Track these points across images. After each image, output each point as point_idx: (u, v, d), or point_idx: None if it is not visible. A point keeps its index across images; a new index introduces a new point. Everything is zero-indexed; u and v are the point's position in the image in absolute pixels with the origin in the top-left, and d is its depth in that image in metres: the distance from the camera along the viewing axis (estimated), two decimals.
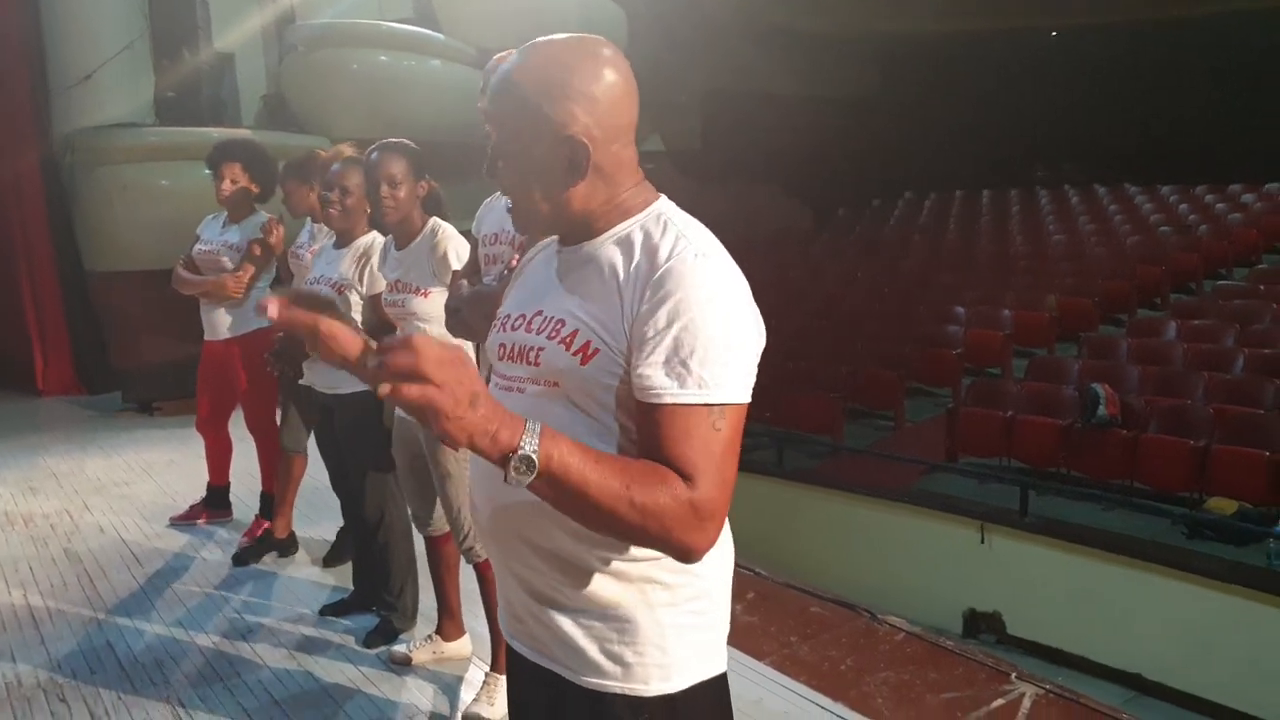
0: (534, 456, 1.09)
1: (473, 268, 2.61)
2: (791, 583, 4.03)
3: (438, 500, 3.17)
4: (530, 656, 1.41)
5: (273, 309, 1.16)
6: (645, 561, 1.30)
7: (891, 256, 14.65)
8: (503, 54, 1.90)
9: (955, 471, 8.29)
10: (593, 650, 1.33)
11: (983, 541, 7.31)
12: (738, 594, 3.85)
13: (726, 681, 1.42)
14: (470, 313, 2.30)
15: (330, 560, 4.33)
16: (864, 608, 3.83)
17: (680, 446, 1.19)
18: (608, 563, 1.30)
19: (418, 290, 2.98)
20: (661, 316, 1.21)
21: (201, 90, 8.91)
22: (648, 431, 1.22)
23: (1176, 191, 16.12)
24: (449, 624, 3.37)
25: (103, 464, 6.17)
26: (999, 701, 3.20)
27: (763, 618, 3.72)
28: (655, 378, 1.20)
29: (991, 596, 7.25)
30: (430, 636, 3.38)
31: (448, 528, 3.18)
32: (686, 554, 1.21)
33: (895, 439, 9.43)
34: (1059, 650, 6.66)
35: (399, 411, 3.12)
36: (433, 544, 3.30)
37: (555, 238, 1.45)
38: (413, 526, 3.41)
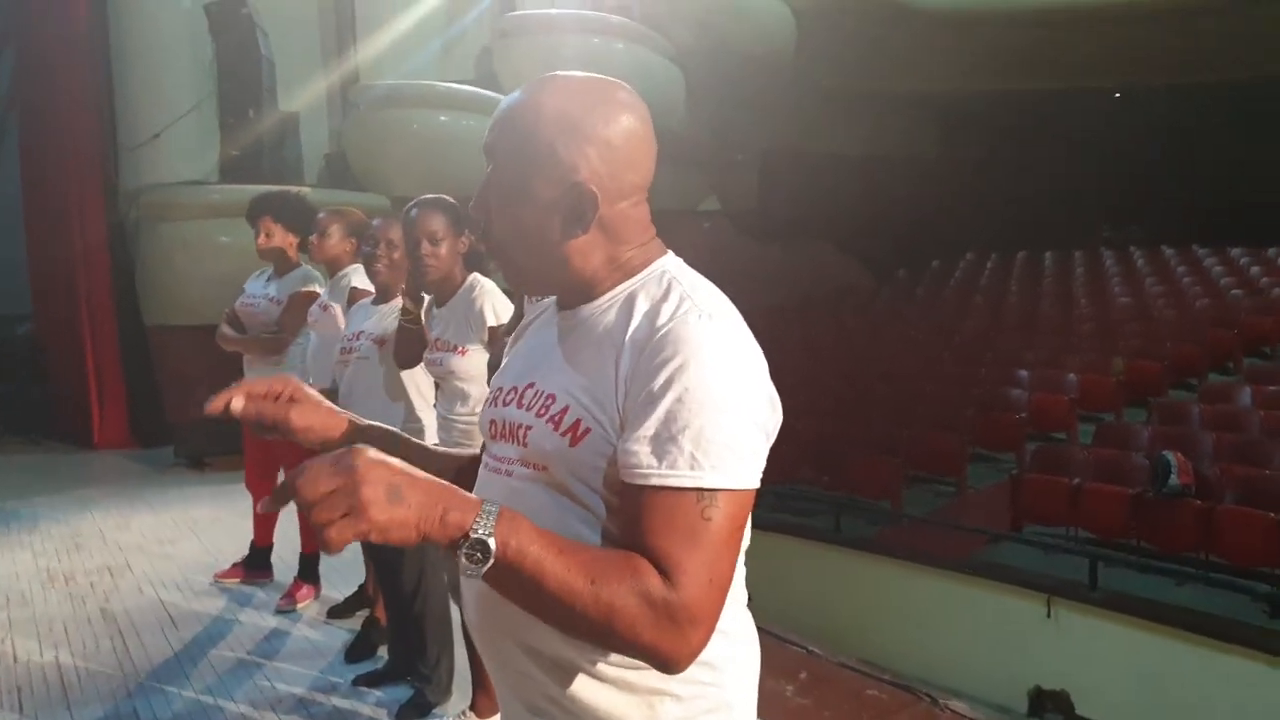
0: (489, 541, 0.95)
1: (517, 321, 2.52)
2: (847, 663, 3.83)
3: None
4: None
5: (237, 403, 1.08)
6: (654, 672, 1.10)
7: (952, 318, 14.39)
8: None
9: (1020, 541, 7.97)
10: None
11: (1049, 615, 6.99)
12: (789, 674, 3.70)
13: None
14: None
15: (334, 613, 4.27)
16: (925, 691, 3.62)
17: (659, 536, 1.02)
18: (610, 670, 1.13)
19: (456, 348, 2.91)
20: (656, 384, 1.05)
21: (265, 150, 9.07)
22: (630, 517, 1.06)
23: (1247, 254, 15.73)
24: (483, 699, 3.21)
25: (150, 520, 6.15)
26: None
27: (816, 701, 3.52)
28: (640, 454, 1.05)
29: (1058, 674, 6.89)
30: (464, 713, 3.23)
31: None
32: (663, 663, 1.03)
33: (956, 506, 9.13)
34: None
35: None
36: None
37: (552, 302, 1.31)
38: (449, 596, 3.31)
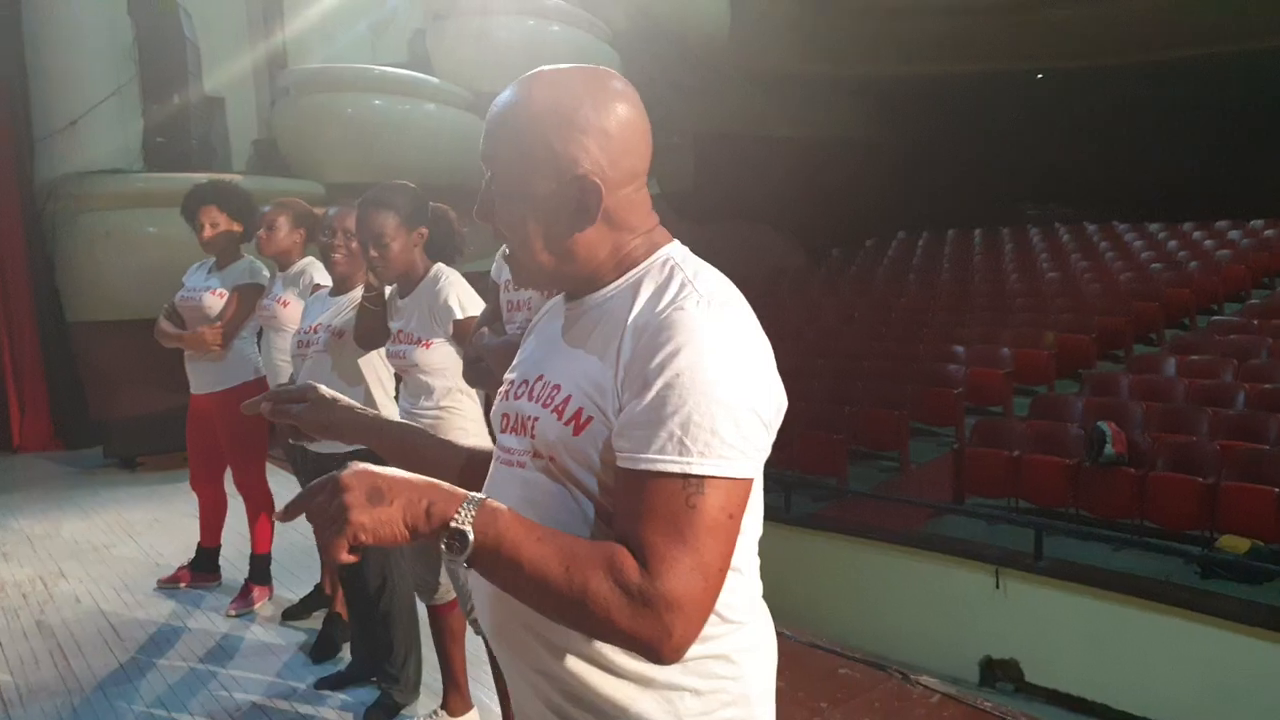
0: (467, 530, 0.99)
1: (494, 314, 2.45)
2: (817, 642, 3.83)
3: (443, 568, 2.99)
4: None
5: (265, 407, 1.21)
6: (672, 666, 1.10)
7: (887, 295, 14.58)
8: None
9: (964, 513, 8.11)
10: None
11: (998, 586, 7.12)
12: None
13: None
14: (494, 362, 2.19)
15: (290, 615, 4.13)
16: (895, 668, 3.64)
17: (642, 522, 1.01)
18: (628, 666, 1.12)
19: (420, 341, 2.82)
20: (649, 368, 1.04)
21: (191, 135, 8.76)
22: (619, 501, 1.06)
23: (1165, 229, 16.27)
24: (455, 698, 3.16)
25: (81, 525, 5.82)
26: None
27: (789, 682, 3.48)
28: (629, 438, 1.04)
29: (1008, 643, 7.04)
30: (435, 712, 3.16)
31: (453, 595, 3.00)
32: (647, 651, 1.02)
33: (900, 481, 9.26)
34: (1080, 699, 6.46)
35: None
36: (437, 613, 3.09)
37: (562, 294, 1.31)
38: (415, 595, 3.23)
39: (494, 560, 1.00)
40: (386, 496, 0.99)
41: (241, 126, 9.88)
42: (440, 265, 2.90)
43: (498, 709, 3.05)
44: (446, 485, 1.03)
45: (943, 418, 10.03)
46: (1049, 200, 19.66)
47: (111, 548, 5.37)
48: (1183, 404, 8.91)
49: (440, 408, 2.82)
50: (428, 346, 2.80)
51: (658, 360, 1.04)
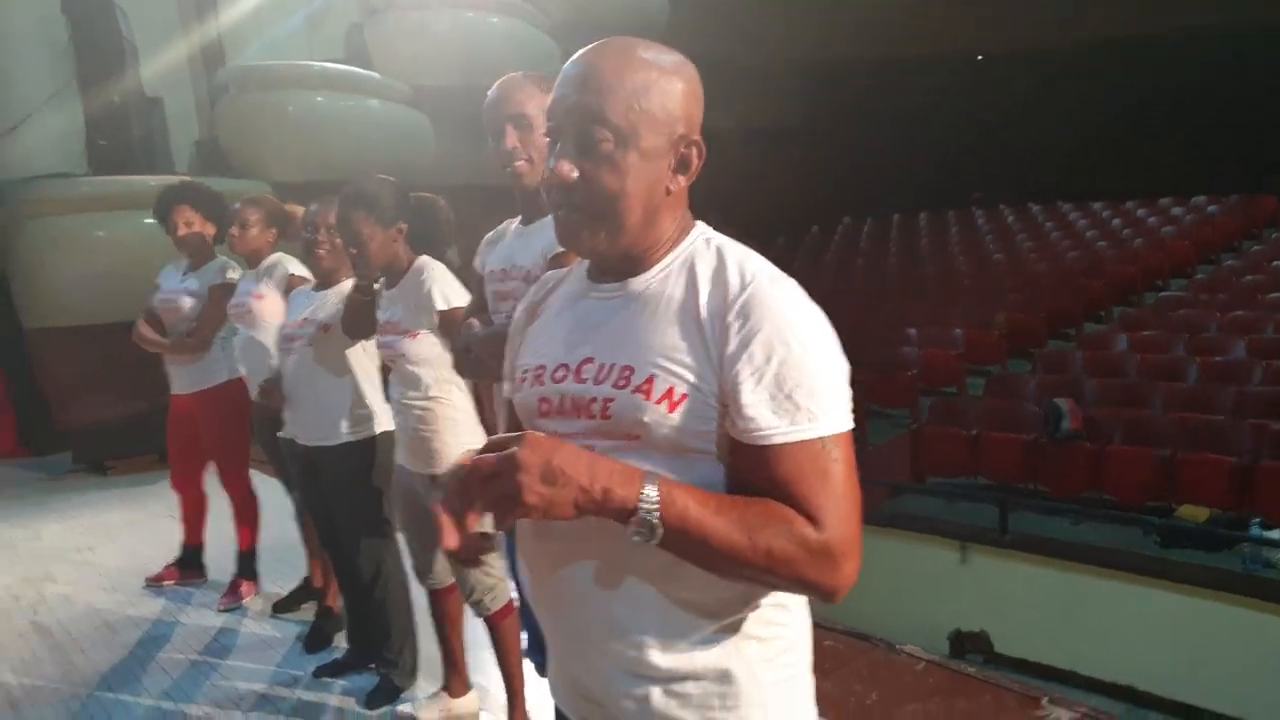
0: (655, 522, 1.05)
1: (479, 306, 2.44)
2: None
3: (438, 554, 2.97)
4: None
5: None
6: (738, 617, 1.20)
7: (835, 281, 14.70)
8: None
9: (925, 492, 8.22)
10: None
11: (963, 561, 7.23)
12: None
13: None
14: (484, 351, 2.19)
15: (279, 608, 4.15)
16: (879, 638, 3.69)
17: (799, 486, 1.11)
18: (699, 623, 1.19)
19: (406, 332, 2.80)
20: (757, 351, 1.12)
21: (133, 136, 8.55)
22: (760, 473, 1.13)
23: (1108, 207, 16.54)
24: (455, 679, 3.17)
25: (60, 528, 5.84)
26: None
27: None
28: (762, 417, 1.12)
29: (976, 616, 7.15)
30: (437, 694, 3.17)
31: (451, 579, 2.99)
32: (827, 596, 1.12)
33: (859, 462, 9.32)
34: (1049, 667, 6.58)
35: (397, 460, 2.93)
36: (436, 597, 3.09)
37: (569, 276, 1.35)
38: (410, 578, 3.21)
39: (681, 540, 1.07)
40: (560, 479, 1.03)
41: (181, 126, 9.68)
42: (425, 258, 2.88)
43: (496, 691, 3.07)
44: (620, 465, 1.08)
45: (898, 400, 10.13)
46: (993, 182, 19.97)
47: (94, 549, 5.38)
48: (1135, 379, 9.12)
49: (429, 398, 2.80)
50: (414, 338, 2.79)
51: (761, 341, 1.12)
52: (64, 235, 7.46)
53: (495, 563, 2.85)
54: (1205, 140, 17.12)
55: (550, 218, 2.13)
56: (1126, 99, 17.91)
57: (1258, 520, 6.78)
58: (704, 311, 1.16)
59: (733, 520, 1.07)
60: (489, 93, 2.18)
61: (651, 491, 1.05)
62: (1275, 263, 12.26)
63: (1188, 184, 16.22)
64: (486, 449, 1.08)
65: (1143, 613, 6.58)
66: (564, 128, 1.20)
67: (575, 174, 1.18)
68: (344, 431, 3.16)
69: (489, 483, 1.04)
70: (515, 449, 1.03)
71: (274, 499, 4.44)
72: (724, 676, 1.19)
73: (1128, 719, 6.00)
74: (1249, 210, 15.22)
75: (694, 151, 1.21)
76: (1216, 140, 16.83)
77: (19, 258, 7.65)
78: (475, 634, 3.19)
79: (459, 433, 2.79)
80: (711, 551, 1.07)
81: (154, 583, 4.59)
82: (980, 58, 17.97)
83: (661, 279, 1.22)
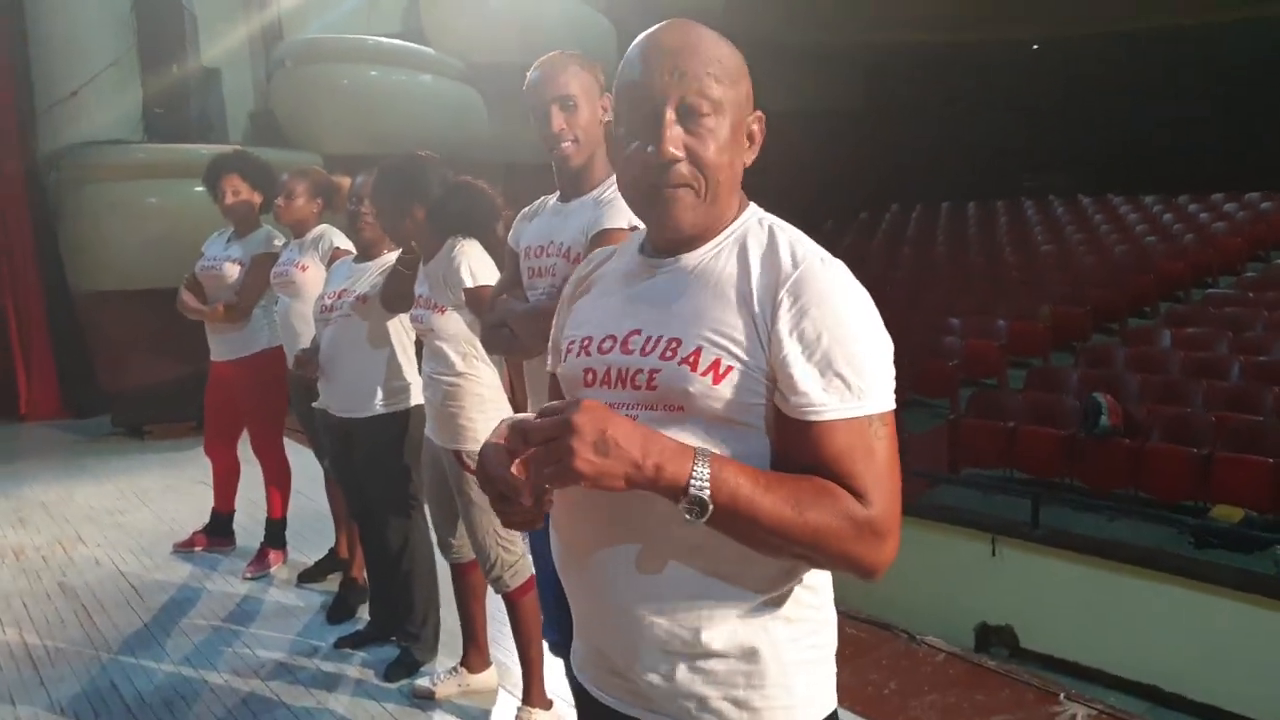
0: (706, 499, 1.06)
1: (513, 281, 2.46)
2: None
3: (459, 526, 3.04)
4: (628, 711, 1.28)
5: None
6: (769, 596, 1.20)
7: (882, 268, 14.60)
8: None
9: (960, 484, 8.20)
10: (716, 698, 1.21)
11: (994, 554, 7.22)
12: None
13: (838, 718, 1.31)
14: (523, 329, 2.18)
15: (305, 577, 4.22)
16: (901, 628, 3.73)
17: (846, 463, 1.12)
18: (731, 600, 1.19)
19: (436, 306, 2.86)
20: (807, 328, 1.14)
21: (190, 106, 8.73)
22: (808, 449, 1.14)
23: (1160, 201, 16.26)
24: (475, 655, 3.23)
25: (93, 491, 5.89)
26: None
27: None
28: (813, 394, 1.13)
29: (1003, 610, 7.15)
30: (455, 669, 3.23)
31: (473, 555, 3.06)
32: (869, 573, 1.14)
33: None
34: (1074, 664, 6.57)
35: (426, 433, 2.99)
36: (459, 572, 3.17)
37: (619, 251, 1.38)
38: (436, 553, 3.29)
39: (731, 518, 1.07)
40: (613, 451, 1.03)
41: (237, 98, 9.83)
42: (457, 236, 2.93)
43: (514, 668, 3.12)
44: (673, 442, 1.08)
45: (938, 389, 10.09)
46: (1044, 172, 19.66)
47: (125, 513, 5.43)
48: (1177, 376, 9.00)
49: (458, 374, 2.85)
50: (442, 312, 2.84)
51: (812, 319, 1.14)
52: (119, 200, 7.67)
53: (515, 540, 2.90)
54: (1261, 134, 16.72)
55: (590, 196, 2.20)
56: (1182, 91, 17.55)
57: None
58: (755, 289, 1.18)
59: (782, 497, 1.08)
60: (529, 74, 2.17)
61: (703, 470, 1.06)
62: None
63: (1242, 179, 15.86)
64: (541, 414, 1.07)
65: (1171, 613, 6.54)
66: (661, 105, 1.18)
67: (683, 151, 1.19)
68: (378, 404, 3.24)
69: (542, 446, 1.05)
70: (571, 414, 1.04)
71: (306, 468, 4.52)
72: (751, 655, 1.20)
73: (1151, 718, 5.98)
74: None
75: (759, 128, 1.26)
76: (1273, 135, 16.41)
77: (74, 221, 7.88)
78: (494, 611, 3.24)
79: (485, 410, 2.83)
80: (760, 528, 1.08)
81: (182, 548, 4.67)
82: (1035, 46, 17.66)
83: (714, 255, 1.24)
